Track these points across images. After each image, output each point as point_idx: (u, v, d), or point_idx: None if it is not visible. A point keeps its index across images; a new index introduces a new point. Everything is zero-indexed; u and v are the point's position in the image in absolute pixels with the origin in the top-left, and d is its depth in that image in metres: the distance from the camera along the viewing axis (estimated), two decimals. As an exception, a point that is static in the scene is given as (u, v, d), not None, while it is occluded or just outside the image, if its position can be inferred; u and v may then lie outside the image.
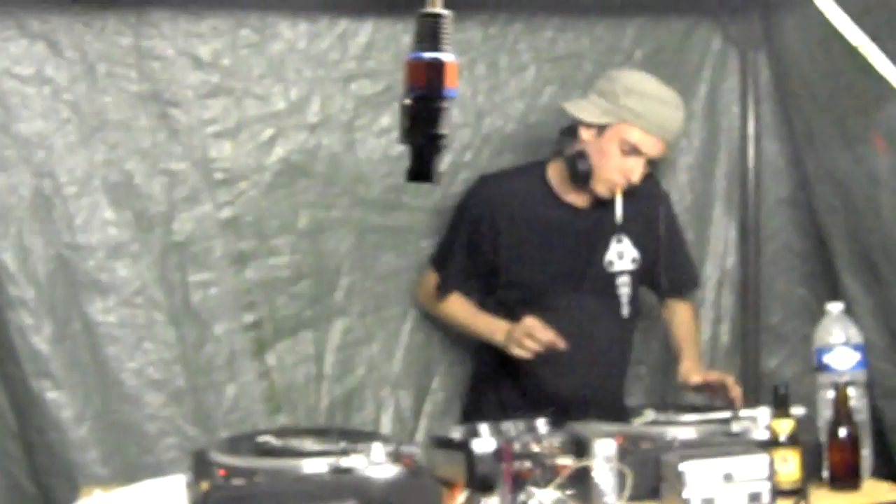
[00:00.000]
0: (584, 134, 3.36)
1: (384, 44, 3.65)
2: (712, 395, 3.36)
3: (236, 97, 3.53)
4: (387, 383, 3.73)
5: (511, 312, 3.39)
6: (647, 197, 3.49)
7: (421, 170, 1.68)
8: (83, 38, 3.36)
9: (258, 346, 3.60)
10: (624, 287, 3.49)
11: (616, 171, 3.33)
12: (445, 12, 1.65)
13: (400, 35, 3.64)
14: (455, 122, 3.52)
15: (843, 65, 3.42)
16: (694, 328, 3.71)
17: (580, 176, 3.36)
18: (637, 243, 3.49)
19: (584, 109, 3.37)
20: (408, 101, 1.66)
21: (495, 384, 3.56)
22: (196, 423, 3.50)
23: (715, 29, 4.01)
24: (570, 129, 3.41)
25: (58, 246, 3.36)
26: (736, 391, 3.29)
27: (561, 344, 3.21)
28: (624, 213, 3.41)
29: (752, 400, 3.75)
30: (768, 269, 4.04)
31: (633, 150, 3.30)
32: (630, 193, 3.39)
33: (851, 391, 2.93)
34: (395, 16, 3.61)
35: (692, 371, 3.44)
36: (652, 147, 3.32)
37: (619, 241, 3.47)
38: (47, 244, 3.35)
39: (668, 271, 3.59)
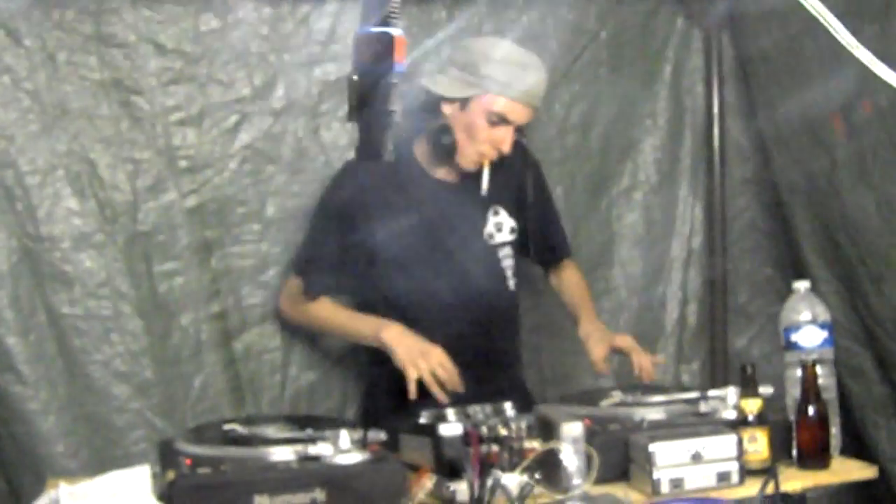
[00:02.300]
0: (447, 109, 3.28)
1: (347, 27, 3.61)
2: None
3: (199, 84, 3.51)
4: (352, 372, 3.71)
5: (394, 304, 3.32)
6: (517, 166, 3.41)
7: (370, 147, 1.66)
8: (43, 26, 3.33)
9: (225, 337, 3.58)
10: (507, 259, 3.44)
11: (485, 143, 3.25)
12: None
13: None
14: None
15: (803, 44, 3.43)
16: (584, 287, 3.62)
17: (445, 151, 3.28)
18: (512, 213, 3.44)
19: (445, 85, 3.28)
20: (355, 78, 1.64)
21: (391, 371, 3.34)
22: (164, 415, 3.47)
23: (678, 9, 4.02)
24: (431, 105, 3.31)
25: (21, 237, 3.34)
26: (644, 361, 3.28)
27: (459, 389, 3.14)
28: (496, 184, 3.33)
29: (719, 379, 3.78)
30: (734, 249, 4.06)
31: (501, 120, 3.22)
32: (500, 163, 3.31)
33: (819, 369, 2.93)
34: None
35: (592, 333, 3.37)
36: (520, 114, 3.24)
37: (496, 212, 3.42)
38: (10, 236, 3.32)
39: (547, 238, 3.55)
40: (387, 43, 1.61)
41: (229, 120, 3.55)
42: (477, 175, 3.32)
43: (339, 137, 3.65)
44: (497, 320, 3.45)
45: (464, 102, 3.25)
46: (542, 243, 3.53)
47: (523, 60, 3.26)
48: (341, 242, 3.34)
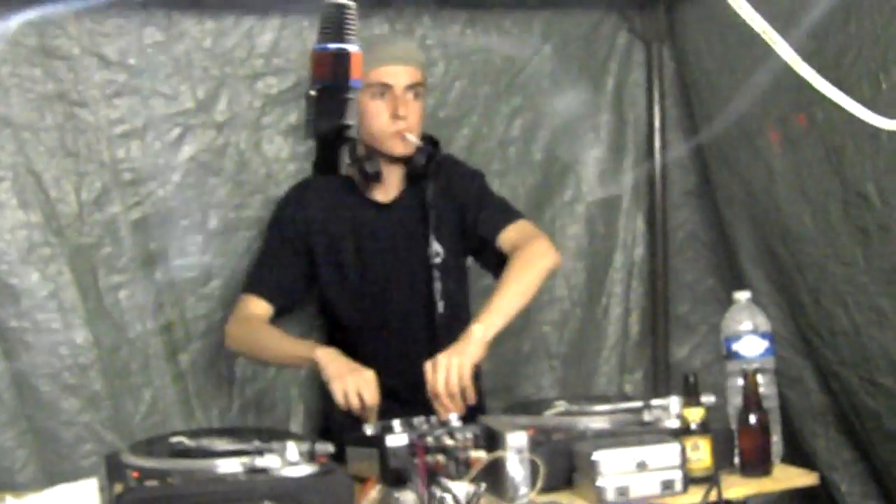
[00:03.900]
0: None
1: (290, 41, 3.65)
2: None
3: (143, 96, 3.50)
4: (296, 384, 3.72)
5: (342, 330, 3.38)
6: (445, 189, 3.40)
7: (327, 162, 1.68)
8: (-15, 38, 3.33)
9: (172, 349, 3.58)
10: (437, 282, 3.38)
11: (381, 118, 3.26)
12: (350, 3, 1.65)
13: (306, 32, 3.63)
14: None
15: (740, 58, 3.48)
16: (517, 268, 3.24)
17: (370, 175, 3.29)
18: (439, 236, 3.38)
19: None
20: (313, 93, 1.65)
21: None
22: (113, 429, 3.46)
23: (621, 22, 4.06)
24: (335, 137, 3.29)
25: (-33, 251, 3.32)
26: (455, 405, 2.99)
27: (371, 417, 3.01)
28: (433, 211, 3.34)
29: (662, 389, 3.82)
30: (676, 260, 4.10)
31: (382, 88, 3.24)
32: (427, 188, 3.33)
33: (760, 378, 2.96)
34: (301, 12, 3.60)
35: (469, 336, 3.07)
36: (397, 74, 3.25)
37: (429, 238, 3.37)
38: (-46, 249, 3.30)
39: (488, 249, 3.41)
40: (344, 59, 1.63)
41: (172, 133, 3.55)
42: (410, 194, 3.35)
43: (282, 150, 3.67)
44: (430, 344, 3.32)
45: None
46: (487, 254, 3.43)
47: (377, 36, 3.40)
48: (284, 261, 3.37)
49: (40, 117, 3.39)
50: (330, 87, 1.65)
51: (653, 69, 4.05)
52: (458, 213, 3.40)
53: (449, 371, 2.95)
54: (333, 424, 3.38)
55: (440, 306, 3.38)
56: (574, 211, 4.05)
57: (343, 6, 1.64)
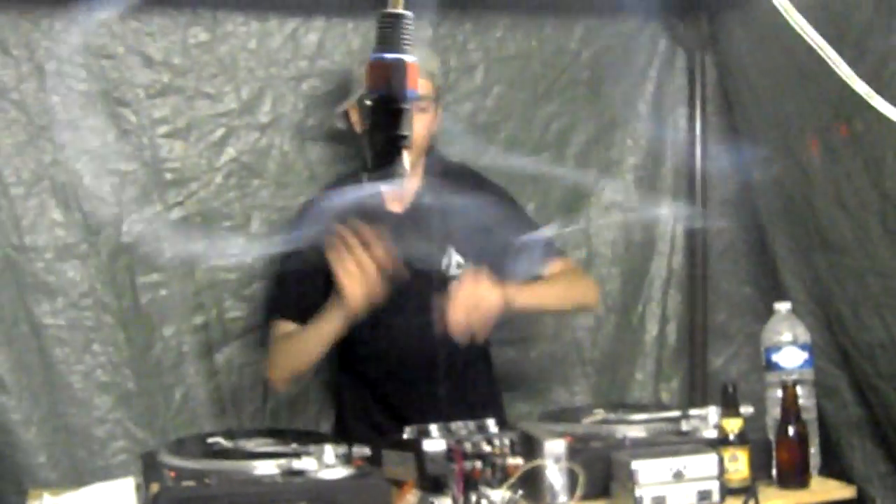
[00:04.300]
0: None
1: (335, 43, 3.64)
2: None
3: (187, 96, 3.51)
4: (329, 387, 3.71)
5: (354, 342, 3.31)
6: (469, 201, 3.31)
7: (382, 171, 1.67)
8: (31, 37, 3.34)
9: (206, 349, 3.58)
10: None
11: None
12: (407, 13, 1.64)
13: (350, 34, 3.64)
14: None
15: (783, 66, 3.46)
16: (561, 277, 3.42)
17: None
18: (461, 249, 3.36)
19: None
20: (369, 102, 1.65)
21: (351, 397, 3.49)
22: (145, 426, 3.47)
23: (662, 30, 4.03)
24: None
25: (4, 247, 3.34)
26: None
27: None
28: (450, 221, 3.31)
29: (698, 398, 3.80)
30: (714, 269, 4.07)
31: None
32: (452, 199, 3.26)
33: (799, 390, 2.96)
34: (346, 15, 3.61)
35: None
36: None
37: (444, 248, 3.36)
38: (-7, 245, 3.32)
39: (521, 261, 3.37)
40: (401, 69, 1.63)
41: (216, 133, 3.55)
42: (421, 204, 3.32)
43: (324, 152, 3.67)
44: (445, 353, 3.34)
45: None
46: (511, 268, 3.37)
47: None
48: (298, 279, 3.31)
49: (82, 116, 3.40)
50: (386, 97, 1.64)
51: (694, 76, 4.03)
52: (484, 232, 3.30)
53: (478, 295, 3.03)
54: (346, 425, 3.44)
55: None
56: (610, 217, 4.03)
57: (400, 15, 1.63)
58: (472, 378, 3.48)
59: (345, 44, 3.63)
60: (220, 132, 3.55)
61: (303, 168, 3.64)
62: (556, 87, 3.94)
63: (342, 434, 3.38)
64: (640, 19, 4.00)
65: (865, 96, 1.42)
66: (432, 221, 3.33)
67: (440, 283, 3.31)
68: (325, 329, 3.16)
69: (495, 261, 3.30)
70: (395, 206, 3.36)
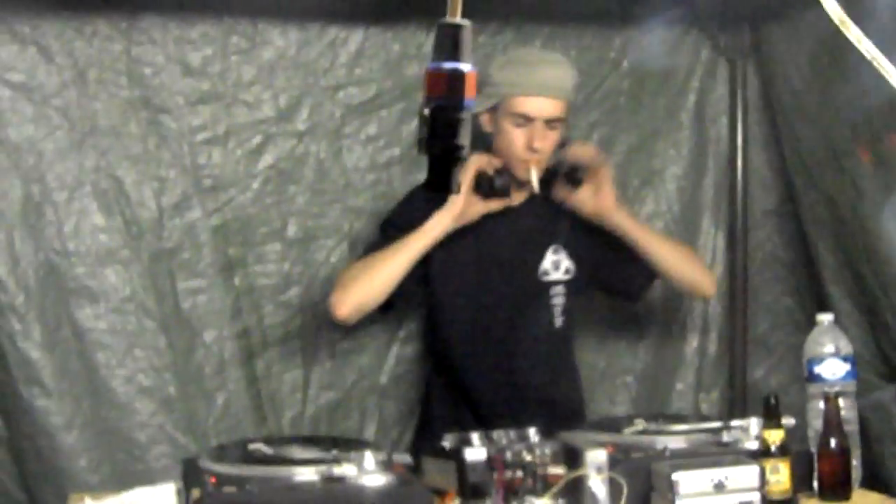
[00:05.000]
0: (486, 126, 3.31)
1: (373, 52, 3.66)
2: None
3: (226, 104, 3.54)
4: (374, 393, 3.73)
5: (442, 329, 3.39)
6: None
7: (439, 180, 1.67)
8: (74, 44, 3.37)
9: (247, 355, 3.60)
10: (557, 297, 3.43)
11: (517, 146, 3.26)
12: (465, 22, 1.64)
13: (389, 43, 3.66)
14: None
15: (829, 75, 3.44)
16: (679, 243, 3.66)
17: (499, 191, 3.29)
18: (573, 254, 3.43)
19: (478, 101, 3.31)
20: (427, 111, 1.65)
21: (441, 399, 3.52)
22: (186, 431, 3.49)
23: (704, 39, 4.02)
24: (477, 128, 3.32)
25: (47, 252, 3.36)
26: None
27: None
28: (560, 223, 3.40)
29: (738, 410, 3.78)
30: (755, 279, 4.05)
31: (523, 119, 3.23)
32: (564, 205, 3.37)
33: (841, 402, 2.93)
34: (385, 24, 3.63)
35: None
36: (541, 108, 3.23)
37: (556, 251, 3.41)
38: (37, 250, 3.35)
39: (627, 272, 3.54)
40: (459, 79, 1.62)
41: (253, 140, 3.57)
42: (534, 208, 3.37)
43: (361, 160, 3.68)
44: (537, 355, 3.44)
45: (491, 114, 3.29)
46: (623, 272, 3.54)
47: (531, 57, 3.34)
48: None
49: (124, 123, 3.43)
50: (443, 107, 1.63)
51: (736, 86, 4.01)
52: (585, 237, 3.43)
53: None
54: (433, 423, 3.45)
55: (558, 322, 3.44)
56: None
57: (459, 25, 1.63)
58: (562, 383, 3.55)
59: (383, 52, 3.65)
60: (257, 139, 3.56)
61: (339, 175, 3.65)
62: (597, 97, 3.94)
63: (427, 435, 3.37)
64: (681, 29, 4.00)
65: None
66: (539, 222, 3.39)
67: (540, 283, 3.38)
68: (421, 237, 3.19)
69: (603, 262, 3.46)
70: (514, 199, 3.39)
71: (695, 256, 3.64)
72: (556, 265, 3.42)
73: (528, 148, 3.25)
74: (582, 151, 3.43)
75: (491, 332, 3.34)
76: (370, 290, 3.22)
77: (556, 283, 3.42)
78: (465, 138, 1.64)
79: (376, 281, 3.21)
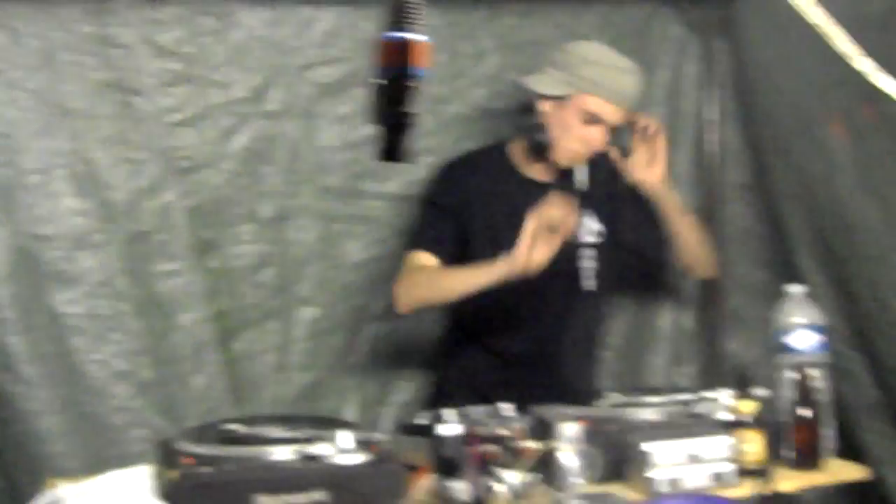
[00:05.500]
0: (543, 107, 3.38)
1: (344, 31, 3.64)
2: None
3: (198, 85, 3.52)
4: (351, 373, 3.74)
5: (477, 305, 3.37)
6: (612, 171, 3.52)
7: (392, 149, 1.68)
8: (44, 27, 3.34)
9: (223, 336, 3.60)
10: (586, 260, 3.49)
11: (578, 141, 3.37)
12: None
13: (360, 22, 3.63)
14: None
15: (800, 51, 3.44)
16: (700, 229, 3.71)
17: (539, 147, 3.39)
18: (602, 217, 3.52)
19: (542, 83, 3.40)
20: (378, 81, 1.66)
21: (459, 358, 3.59)
22: (163, 415, 3.49)
23: (675, 15, 4.02)
24: (528, 106, 3.43)
25: (21, 236, 3.34)
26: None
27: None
28: (590, 187, 3.45)
29: (714, 382, 3.79)
30: (729, 254, 4.06)
31: (594, 119, 3.34)
32: (595, 167, 3.44)
33: (813, 372, 2.96)
34: (356, 3, 3.61)
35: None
36: (612, 115, 3.35)
37: (582, 213, 3.44)
38: (10, 234, 3.33)
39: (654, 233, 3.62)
40: (408, 48, 1.64)
41: (226, 121, 3.56)
42: (569, 175, 3.44)
43: (334, 140, 3.67)
44: (566, 317, 3.53)
45: (561, 101, 3.36)
46: (651, 239, 3.64)
47: (619, 64, 3.40)
48: (444, 225, 3.44)
49: (96, 105, 3.42)
50: (393, 76, 1.65)
51: (708, 62, 4.02)
52: (613, 201, 3.57)
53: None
54: (446, 388, 3.56)
55: (588, 283, 3.51)
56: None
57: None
58: (584, 357, 3.65)
59: (354, 31, 3.63)
60: (230, 120, 3.55)
61: (311, 155, 3.65)
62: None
63: (441, 401, 3.32)
64: (652, 5, 4.00)
65: (867, 74, 1.42)
66: (572, 190, 3.40)
67: (570, 249, 3.37)
68: (480, 277, 3.21)
69: (634, 229, 3.57)
70: (540, 175, 3.48)
71: (707, 243, 3.71)
72: (586, 228, 3.49)
73: (588, 146, 3.38)
74: (646, 122, 3.54)
75: (521, 291, 3.28)
76: (429, 300, 3.45)
77: (584, 245, 3.49)
78: (415, 106, 1.65)
79: (436, 296, 3.42)
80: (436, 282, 3.40)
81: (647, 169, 3.52)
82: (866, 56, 1.48)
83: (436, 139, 3.73)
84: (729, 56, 4.02)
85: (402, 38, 1.65)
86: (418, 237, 3.48)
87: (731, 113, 4.04)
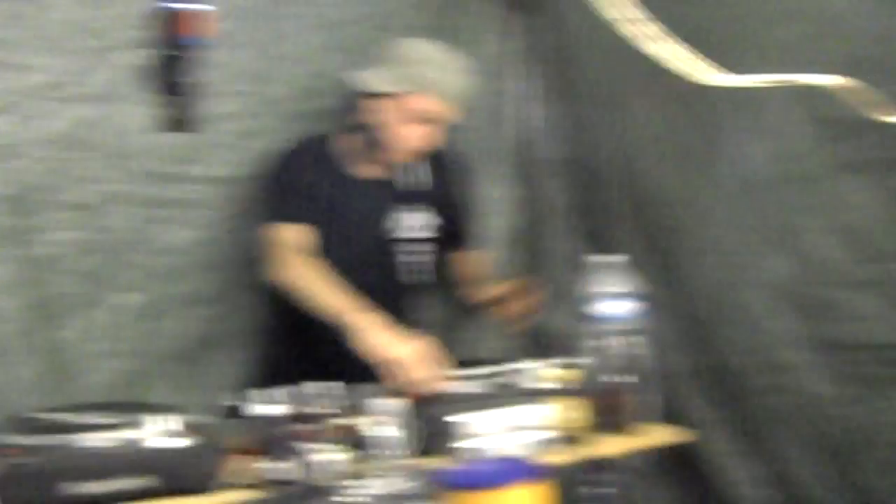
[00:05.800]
0: (374, 104, 3.39)
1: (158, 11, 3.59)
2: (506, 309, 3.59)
3: (12, 69, 3.44)
4: (174, 358, 3.70)
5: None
6: (441, 165, 3.58)
7: (179, 119, 1.68)
8: None
9: (48, 325, 3.53)
10: (426, 254, 3.57)
11: (414, 139, 3.39)
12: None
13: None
14: (239, 89, 3.50)
15: (604, 27, 3.51)
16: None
17: (372, 144, 3.40)
18: (440, 211, 3.59)
19: (376, 81, 3.40)
20: (160, 52, 1.66)
21: (288, 341, 3.62)
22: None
23: (496, -5, 4.07)
24: (353, 100, 3.43)
25: None
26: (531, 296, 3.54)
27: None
28: (419, 182, 3.51)
29: (533, 353, 3.85)
30: (547, 227, 4.12)
31: (430, 119, 3.37)
32: (432, 163, 3.51)
33: (633, 339, 3.02)
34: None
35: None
36: (448, 113, 3.39)
37: (407, 210, 3.51)
38: None
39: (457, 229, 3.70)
40: (186, 17, 1.64)
41: (44, 106, 3.47)
42: (399, 173, 3.50)
43: (143, 121, 3.51)
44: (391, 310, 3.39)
45: (395, 99, 3.37)
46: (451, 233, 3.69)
47: (454, 64, 3.41)
48: (299, 200, 3.43)
49: None
50: (176, 46, 1.65)
51: (531, 39, 4.06)
52: (439, 196, 3.62)
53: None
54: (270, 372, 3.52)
55: (404, 279, 3.58)
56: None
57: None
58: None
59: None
60: (45, 105, 3.46)
61: (132, 139, 3.57)
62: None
63: (267, 383, 3.17)
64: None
65: (655, 59, 1.45)
66: (397, 187, 3.48)
67: (383, 246, 3.48)
68: (337, 320, 3.14)
69: (448, 225, 3.63)
70: (365, 172, 3.51)
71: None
72: (409, 224, 3.55)
73: (423, 144, 3.42)
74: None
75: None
76: (297, 295, 3.28)
77: (407, 240, 3.56)
78: (199, 75, 1.65)
79: (304, 299, 3.25)
80: (310, 289, 3.26)
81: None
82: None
83: (260, 121, 3.69)
84: (550, 33, 4.06)
85: (180, 9, 1.64)
86: (278, 210, 3.44)
87: (555, 89, 4.10)
